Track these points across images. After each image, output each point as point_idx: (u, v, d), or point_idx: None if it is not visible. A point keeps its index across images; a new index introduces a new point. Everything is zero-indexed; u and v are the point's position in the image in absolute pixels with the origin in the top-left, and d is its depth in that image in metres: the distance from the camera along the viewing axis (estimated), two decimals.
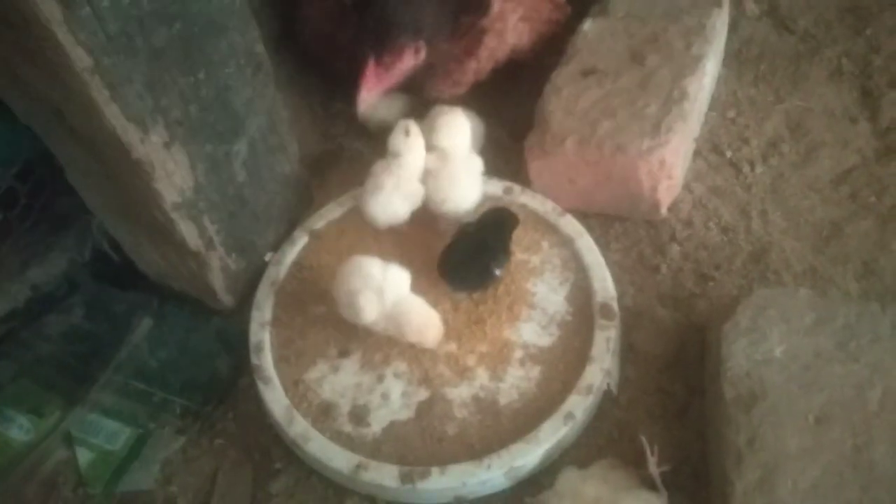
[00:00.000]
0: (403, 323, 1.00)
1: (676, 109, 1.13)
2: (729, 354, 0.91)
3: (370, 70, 1.18)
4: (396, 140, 1.15)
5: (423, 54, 1.23)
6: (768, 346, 0.91)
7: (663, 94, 1.15)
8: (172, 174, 0.89)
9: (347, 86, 1.44)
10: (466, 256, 1.08)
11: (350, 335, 1.07)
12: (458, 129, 1.21)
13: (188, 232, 0.97)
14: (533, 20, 1.33)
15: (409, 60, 1.22)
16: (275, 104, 1.06)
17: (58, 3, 0.67)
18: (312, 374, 1.05)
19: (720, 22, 1.27)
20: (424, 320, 1.01)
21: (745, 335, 0.92)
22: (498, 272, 1.07)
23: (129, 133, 0.80)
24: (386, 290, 0.99)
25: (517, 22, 1.30)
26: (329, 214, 1.22)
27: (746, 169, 1.27)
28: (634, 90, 1.17)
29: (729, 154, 1.29)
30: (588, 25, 1.31)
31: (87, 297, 1.18)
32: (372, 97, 1.22)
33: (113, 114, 0.77)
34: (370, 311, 0.98)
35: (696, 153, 1.28)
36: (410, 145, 1.14)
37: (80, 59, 0.72)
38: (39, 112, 0.85)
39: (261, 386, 1.03)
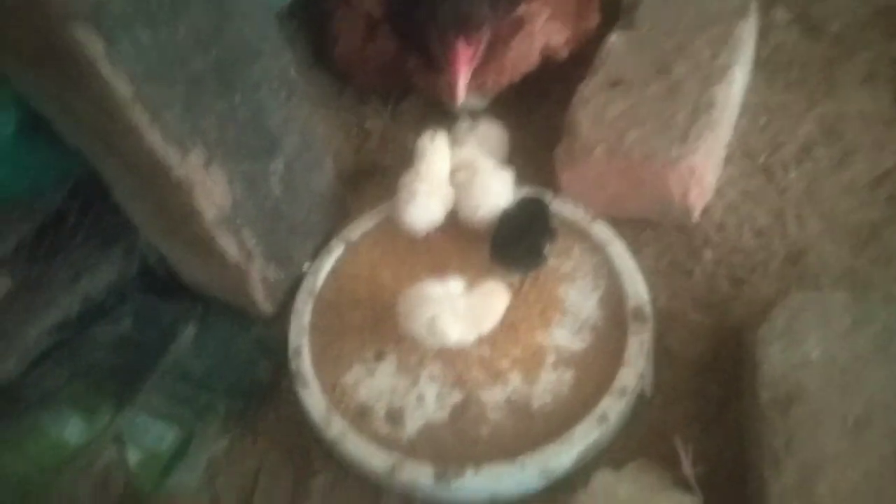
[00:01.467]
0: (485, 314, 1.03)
1: (705, 117, 1.14)
2: (765, 357, 0.90)
3: (460, 56, 1.19)
4: (422, 145, 1.18)
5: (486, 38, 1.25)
6: (805, 350, 0.90)
7: (691, 103, 1.16)
8: (211, 192, 0.93)
9: (380, 98, 1.51)
10: (516, 239, 1.11)
11: (386, 339, 1.10)
12: (489, 137, 1.27)
13: (228, 245, 1.01)
14: (562, 20, 1.35)
15: (484, 43, 1.24)
16: (309, 124, 1.10)
17: (100, 38, 0.72)
18: (349, 378, 1.08)
19: (747, 32, 1.27)
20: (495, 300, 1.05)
21: (781, 338, 0.91)
22: (546, 250, 1.10)
23: (169, 154, 0.85)
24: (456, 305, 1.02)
25: (546, 21, 1.33)
26: (363, 225, 1.26)
27: (780, 173, 1.26)
28: (662, 100, 1.18)
29: (761, 159, 1.28)
30: (614, 38, 1.33)
31: (135, 307, 1.23)
32: (466, 83, 1.22)
33: (154, 137, 0.82)
34: (453, 331, 1.01)
35: (728, 159, 1.28)
36: (436, 148, 1.18)
37: (122, 88, 0.77)
38: (86, 136, 0.91)
39: (300, 389, 1.06)
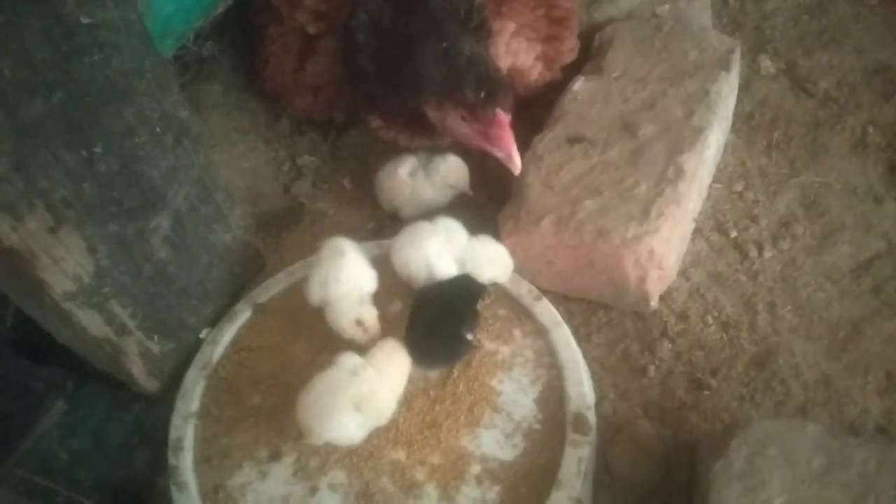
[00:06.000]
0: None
1: (670, 190, 0.98)
2: (719, 502, 0.75)
3: (505, 127, 1.04)
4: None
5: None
6: (766, 496, 0.75)
7: (656, 172, 1.01)
8: (62, 261, 0.76)
9: (318, 129, 1.35)
10: (433, 328, 0.95)
11: (285, 433, 0.94)
12: (449, 171, 1.16)
13: (90, 321, 0.84)
14: (528, 36, 1.20)
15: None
16: (207, 171, 0.93)
17: None
18: (236, 480, 0.92)
19: (727, 87, 1.12)
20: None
21: (739, 480, 0.77)
22: (470, 336, 0.95)
23: None
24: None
25: (511, 37, 1.17)
26: (277, 285, 1.09)
27: (753, 253, 1.12)
28: (624, 165, 1.03)
29: (734, 234, 1.14)
30: (579, 85, 1.17)
31: (3, 370, 1.05)
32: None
33: None
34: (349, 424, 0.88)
35: (697, 232, 1.13)
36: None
37: None
38: None
39: (174, 491, 0.91)
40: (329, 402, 0.87)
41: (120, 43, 0.74)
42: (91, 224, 0.78)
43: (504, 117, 1.03)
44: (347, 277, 0.96)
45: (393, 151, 1.23)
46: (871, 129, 1.25)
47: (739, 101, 1.26)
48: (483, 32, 1.12)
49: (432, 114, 1.08)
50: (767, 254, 1.12)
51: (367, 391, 0.87)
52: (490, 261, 1.01)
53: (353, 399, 0.87)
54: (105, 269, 0.83)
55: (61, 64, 0.69)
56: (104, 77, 0.73)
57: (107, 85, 0.74)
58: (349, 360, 0.90)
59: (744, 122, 1.29)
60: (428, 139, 1.17)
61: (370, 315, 0.96)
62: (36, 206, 0.71)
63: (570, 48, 1.21)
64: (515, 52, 1.15)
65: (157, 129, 0.82)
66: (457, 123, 1.07)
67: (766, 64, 1.37)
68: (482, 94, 1.02)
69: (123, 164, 0.80)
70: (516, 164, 1.04)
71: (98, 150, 0.75)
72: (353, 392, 0.87)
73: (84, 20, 0.68)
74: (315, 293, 0.97)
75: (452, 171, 1.18)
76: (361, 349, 0.93)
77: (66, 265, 0.77)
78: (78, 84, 0.71)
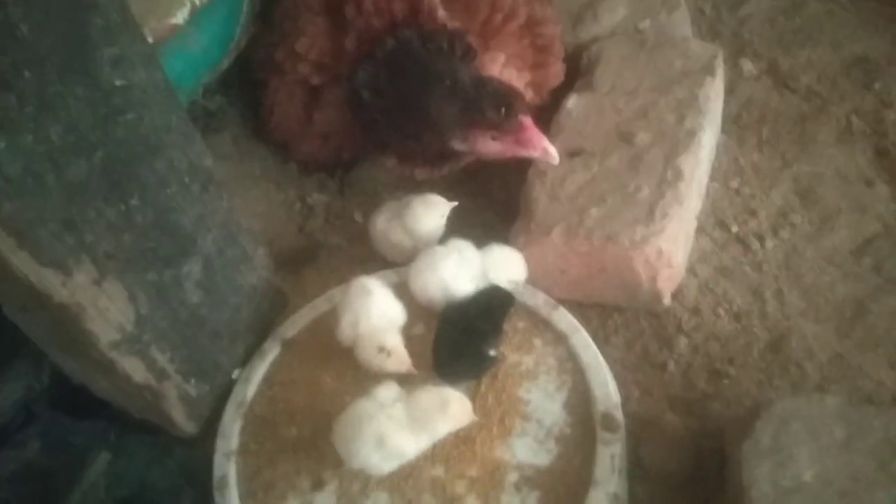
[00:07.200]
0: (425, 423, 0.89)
1: (671, 192, 1.03)
2: (752, 481, 0.79)
3: (533, 126, 1.09)
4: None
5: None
6: (796, 469, 0.78)
7: (656, 176, 1.06)
8: (106, 311, 0.80)
9: (325, 170, 1.40)
10: (457, 345, 0.98)
11: (325, 461, 0.96)
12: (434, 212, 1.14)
13: (133, 368, 0.88)
14: (518, 66, 1.25)
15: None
16: (231, 215, 0.98)
17: None
18: None
19: (714, 91, 1.18)
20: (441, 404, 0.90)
21: (768, 456, 0.80)
22: (493, 352, 0.98)
23: (46, 279, 0.72)
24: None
25: (502, 69, 1.22)
26: (302, 320, 1.13)
27: (756, 245, 1.16)
28: (624, 172, 1.08)
29: (735, 229, 1.18)
30: (572, 102, 1.23)
31: (43, 428, 1.08)
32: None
33: (23, 261, 0.70)
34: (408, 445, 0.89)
35: (699, 230, 1.18)
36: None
37: None
38: None
39: None
40: (354, 431, 0.88)
41: (150, 101, 0.79)
42: (131, 273, 0.83)
43: (527, 120, 1.08)
44: (377, 314, 0.98)
45: (401, 184, 1.28)
46: (854, 117, 1.30)
47: (726, 103, 1.32)
48: (470, 57, 1.17)
49: (460, 146, 1.13)
50: (769, 244, 1.16)
51: (389, 430, 0.88)
52: (506, 261, 1.05)
53: (375, 435, 0.87)
54: (145, 317, 0.87)
55: (101, 125, 0.74)
56: (138, 134, 0.78)
57: (140, 141, 0.79)
58: (383, 391, 0.91)
59: (733, 123, 1.34)
60: (446, 169, 1.22)
61: (392, 339, 0.98)
62: (83, 260, 0.75)
63: (556, 73, 1.28)
64: (507, 81, 1.21)
65: (186, 179, 0.87)
66: (487, 145, 1.12)
67: (748, 66, 1.43)
68: (503, 110, 1.07)
69: (158, 214, 0.84)
70: (553, 155, 1.07)
71: (135, 202, 0.80)
72: (375, 428, 0.87)
73: (118, 83, 0.74)
74: (347, 336, 1.00)
75: (425, 210, 1.16)
76: (402, 380, 0.95)
77: (110, 315, 0.81)
78: (115, 143, 0.76)
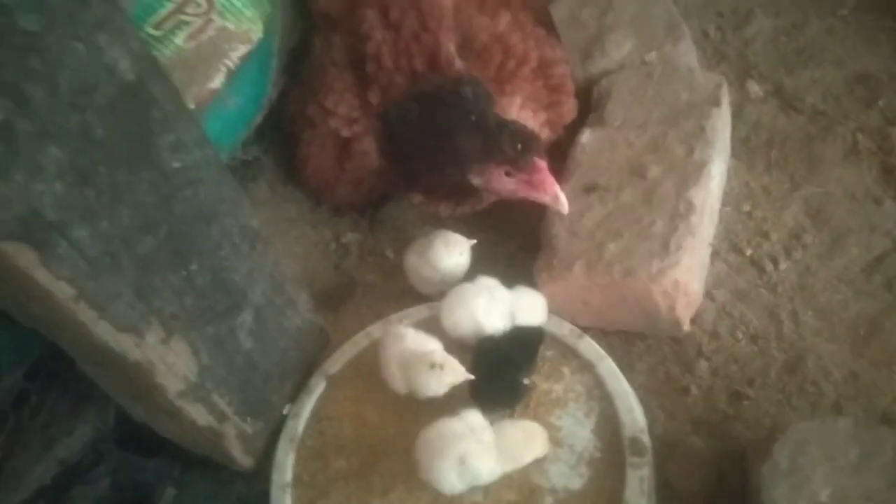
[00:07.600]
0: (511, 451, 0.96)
1: (684, 225, 1.10)
2: (771, 502, 0.85)
3: (546, 170, 1.15)
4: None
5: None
6: (813, 490, 0.84)
7: (669, 209, 1.12)
8: (173, 365, 0.89)
9: (356, 210, 1.49)
10: (491, 373, 1.04)
11: (372, 491, 1.04)
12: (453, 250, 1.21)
13: (197, 413, 0.96)
14: (533, 108, 1.32)
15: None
16: (277, 266, 1.06)
17: (32, 250, 0.69)
18: None
19: (721, 122, 1.24)
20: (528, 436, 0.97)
21: (786, 478, 0.86)
22: (527, 381, 1.04)
23: (122, 343, 0.81)
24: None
25: (519, 110, 1.29)
26: (344, 356, 1.20)
27: (770, 267, 1.21)
28: (639, 207, 1.15)
29: (749, 252, 1.24)
30: (586, 137, 1.29)
31: (113, 466, 1.17)
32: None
33: (104, 330, 0.78)
34: (485, 467, 0.95)
35: (714, 255, 1.23)
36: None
37: (62, 291, 0.73)
38: (40, 325, 0.87)
39: None
40: (441, 447, 0.94)
41: (203, 176, 0.88)
42: (193, 330, 0.91)
43: (542, 163, 1.15)
44: (417, 355, 1.04)
45: (428, 221, 1.35)
46: (860, 135, 1.35)
47: (734, 127, 1.37)
48: (490, 102, 1.25)
49: (477, 180, 1.20)
50: (783, 266, 1.21)
51: (475, 452, 0.93)
52: (532, 307, 1.12)
53: (459, 454, 0.92)
54: (206, 367, 0.95)
55: (163, 204, 0.83)
56: (194, 207, 0.87)
57: (197, 213, 0.88)
58: (472, 416, 0.97)
59: (742, 146, 1.39)
60: (468, 206, 1.29)
61: (440, 354, 1.02)
62: (152, 323, 0.84)
63: (569, 110, 1.35)
64: (524, 122, 1.28)
65: (237, 240, 0.95)
66: (501, 181, 1.18)
67: (755, 88, 1.48)
68: (519, 147, 1.14)
69: (214, 275, 0.93)
70: (563, 203, 1.12)
71: (194, 266, 0.89)
72: (461, 447, 0.93)
73: (176, 165, 0.83)
74: (399, 387, 1.06)
75: (446, 249, 1.22)
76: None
77: (176, 369, 0.90)
78: (176, 217, 0.85)
